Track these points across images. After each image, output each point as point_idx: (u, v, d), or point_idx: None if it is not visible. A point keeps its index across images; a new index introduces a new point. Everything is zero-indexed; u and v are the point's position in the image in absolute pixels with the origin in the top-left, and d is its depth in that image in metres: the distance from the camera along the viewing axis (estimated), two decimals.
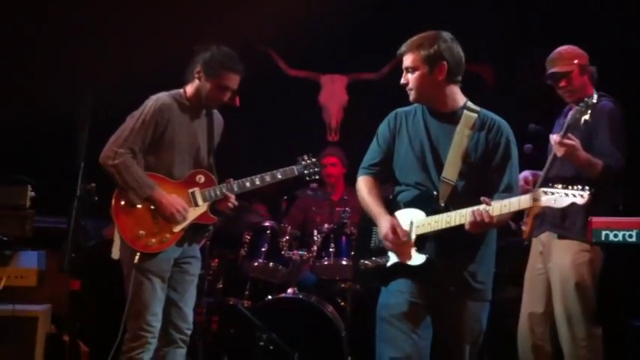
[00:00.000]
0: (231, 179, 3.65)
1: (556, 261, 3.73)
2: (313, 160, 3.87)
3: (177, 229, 3.51)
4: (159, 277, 3.47)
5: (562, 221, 3.68)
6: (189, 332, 3.61)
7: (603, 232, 3.15)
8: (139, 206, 3.47)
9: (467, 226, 2.81)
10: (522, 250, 4.05)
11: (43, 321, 3.95)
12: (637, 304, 4.08)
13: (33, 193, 3.80)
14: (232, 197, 3.63)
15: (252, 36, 5.52)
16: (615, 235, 3.12)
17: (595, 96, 3.45)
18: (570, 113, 3.58)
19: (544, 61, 3.88)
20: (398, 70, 5.86)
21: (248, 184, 3.64)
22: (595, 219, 3.18)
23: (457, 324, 2.93)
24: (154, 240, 3.46)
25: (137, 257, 3.41)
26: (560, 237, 3.72)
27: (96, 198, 3.37)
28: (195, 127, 3.62)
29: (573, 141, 3.53)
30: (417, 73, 2.96)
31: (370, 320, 4.20)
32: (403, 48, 2.99)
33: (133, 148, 3.46)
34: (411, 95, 3.01)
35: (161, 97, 3.56)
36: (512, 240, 4.31)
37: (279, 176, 3.70)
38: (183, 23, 4.79)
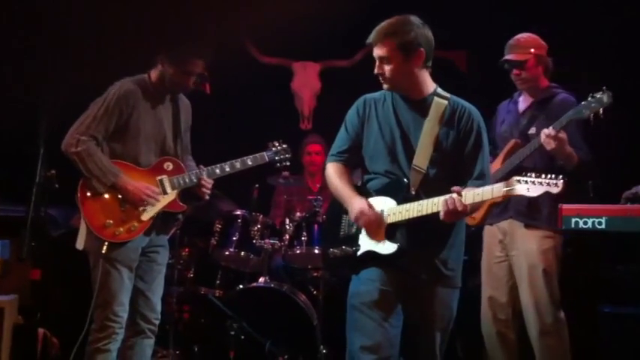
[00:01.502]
0: (201, 166, 3.60)
1: (522, 248, 3.75)
2: (284, 146, 3.82)
3: (145, 217, 3.44)
4: (126, 266, 3.41)
5: (528, 209, 3.70)
6: (157, 322, 3.55)
7: (573, 220, 3.17)
8: (106, 195, 3.39)
9: (441, 216, 2.79)
10: None
11: (9, 311, 3.88)
12: (608, 291, 4.11)
13: None
14: (209, 182, 3.57)
15: (224, 23, 5.44)
16: (585, 222, 3.14)
17: (610, 93, 3.43)
18: (578, 109, 3.53)
19: None
20: (370, 57, 5.82)
21: (218, 170, 3.58)
22: (565, 206, 3.20)
23: (428, 311, 2.92)
24: (121, 229, 3.39)
25: (105, 247, 3.34)
26: (526, 226, 3.75)
27: (56, 185, 3.29)
28: (160, 113, 3.54)
29: (564, 135, 3.54)
30: (392, 62, 2.90)
31: (343, 309, 4.18)
32: (375, 37, 2.92)
33: (95, 136, 3.38)
34: (385, 84, 2.97)
35: (125, 83, 3.47)
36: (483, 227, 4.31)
37: (250, 163, 3.64)
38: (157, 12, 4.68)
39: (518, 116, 3.87)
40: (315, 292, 4.67)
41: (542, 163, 3.67)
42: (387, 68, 2.92)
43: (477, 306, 4.00)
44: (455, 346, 4.35)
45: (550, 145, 3.53)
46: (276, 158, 3.78)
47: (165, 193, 3.49)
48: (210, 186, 3.59)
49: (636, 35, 4.87)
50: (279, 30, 5.30)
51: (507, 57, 3.81)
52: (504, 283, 3.84)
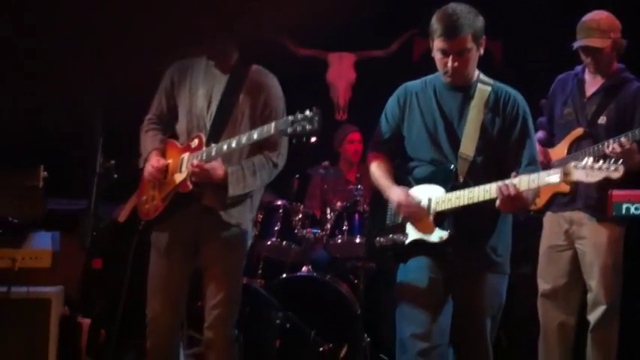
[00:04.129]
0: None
1: (592, 240, 3.66)
2: (306, 114, 2.95)
3: (163, 194, 3.27)
4: (158, 250, 3.26)
5: (597, 202, 3.58)
6: (209, 333, 3.26)
7: (624, 206, 3.15)
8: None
9: (498, 204, 2.74)
10: (537, 226, 4.02)
11: (56, 303, 3.90)
12: None
13: (45, 174, 3.74)
14: (195, 162, 3.20)
15: (259, 16, 5.45)
16: (637, 208, 3.12)
17: None
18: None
19: (552, 34, 3.80)
20: (406, 47, 5.79)
21: (225, 147, 3.18)
22: (615, 192, 3.17)
23: (477, 298, 2.91)
24: (147, 206, 3.31)
25: (141, 224, 3.29)
26: (595, 217, 3.64)
27: (115, 175, 3.31)
28: (208, 87, 3.33)
29: (635, 146, 3.42)
30: (469, 54, 2.83)
31: (384, 298, 4.18)
32: (451, 30, 2.79)
33: (156, 114, 3.41)
34: (451, 78, 2.88)
35: (179, 60, 3.43)
36: (527, 216, 4.29)
37: (255, 137, 3.13)
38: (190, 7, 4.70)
39: (585, 100, 3.69)
40: (356, 282, 4.67)
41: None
42: (462, 61, 2.84)
43: (519, 296, 3.97)
44: (499, 335, 4.32)
45: (617, 155, 3.32)
46: (290, 130, 2.98)
47: (181, 171, 3.27)
48: (193, 169, 3.18)
49: None
50: (314, 21, 5.30)
51: (586, 42, 3.59)
52: (566, 272, 3.74)
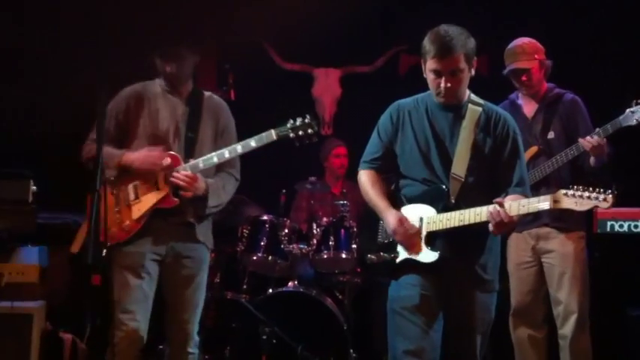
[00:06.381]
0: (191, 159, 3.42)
1: (560, 251, 3.77)
2: (306, 120, 3.40)
3: (136, 215, 3.30)
4: (129, 270, 3.28)
5: (562, 214, 3.62)
6: (187, 344, 3.39)
7: (609, 223, 3.21)
8: (107, 196, 3.20)
9: (491, 229, 2.78)
10: None
11: (38, 318, 3.87)
12: (636, 294, 4.13)
13: (35, 188, 3.71)
14: (183, 175, 3.30)
15: (247, 29, 5.48)
16: (621, 226, 3.18)
17: None
18: (625, 116, 3.56)
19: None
20: (392, 63, 5.84)
21: (215, 158, 3.34)
22: (600, 210, 3.22)
23: (468, 315, 2.93)
24: (114, 229, 3.25)
25: (104, 251, 3.16)
26: (562, 230, 3.77)
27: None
28: (166, 112, 3.43)
29: (602, 141, 3.58)
30: (461, 74, 2.87)
31: (369, 313, 4.18)
32: (444, 50, 2.82)
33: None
34: (444, 98, 2.90)
35: (130, 86, 3.48)
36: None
37: (253, 144, 3.33)
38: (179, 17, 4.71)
39: (529, 121, 3.87)
40: (340, 297, 4.68)
41: (565, 169, 3.73)
42: (455, 81, 2.87)
43: (503, 309, 4.02)
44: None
45: (595, 152, 3.57)
46: (292, 135, 3.36)
47: (157, 189, 3.33)
48: (184, 179, 3.29)
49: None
50: (300, 36, 5.33)
51: (516, 65, 3.82)
52: (535, 288, 3.87)
